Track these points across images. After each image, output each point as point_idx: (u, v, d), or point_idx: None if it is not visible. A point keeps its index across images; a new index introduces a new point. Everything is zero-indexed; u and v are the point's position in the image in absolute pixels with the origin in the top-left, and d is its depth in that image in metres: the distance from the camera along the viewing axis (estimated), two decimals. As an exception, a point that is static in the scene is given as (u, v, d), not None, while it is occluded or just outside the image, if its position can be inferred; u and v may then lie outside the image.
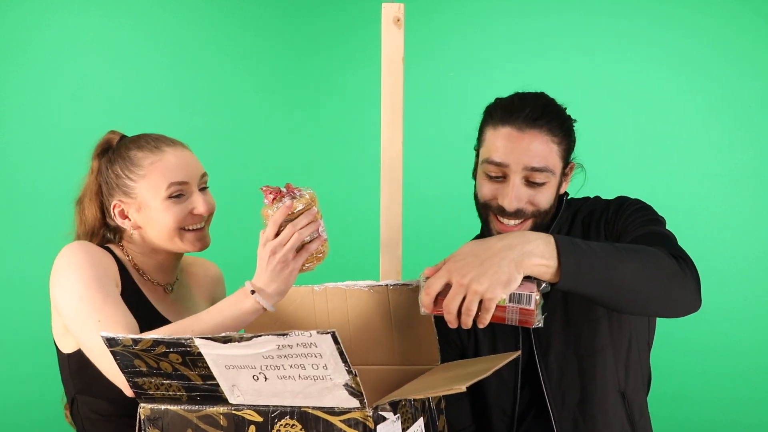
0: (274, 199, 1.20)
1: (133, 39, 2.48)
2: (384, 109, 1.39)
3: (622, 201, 1.45)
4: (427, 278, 1.19)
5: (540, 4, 2.48)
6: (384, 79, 1.38)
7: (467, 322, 1.14)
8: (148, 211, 1.40)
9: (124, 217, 1.43)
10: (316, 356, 0.89)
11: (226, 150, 2.47)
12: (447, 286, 1.15)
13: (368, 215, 1.94)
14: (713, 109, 2.42)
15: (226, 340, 0.92)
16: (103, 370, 1.26)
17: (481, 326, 1.15)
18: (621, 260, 1.17)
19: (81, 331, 1.28)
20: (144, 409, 1.05)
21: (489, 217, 1.41)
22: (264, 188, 1.21)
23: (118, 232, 1.47)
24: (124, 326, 1.25)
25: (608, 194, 1.54)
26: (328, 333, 0.86)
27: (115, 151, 1.45)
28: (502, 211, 1.37)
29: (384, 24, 1.36)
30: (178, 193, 1.39)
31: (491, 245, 1.15)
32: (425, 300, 1.17)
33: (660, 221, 1.38)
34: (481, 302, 1.13)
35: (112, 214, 1.44)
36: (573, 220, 1.47)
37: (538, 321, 1.17)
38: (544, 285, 1.17)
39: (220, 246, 1.55)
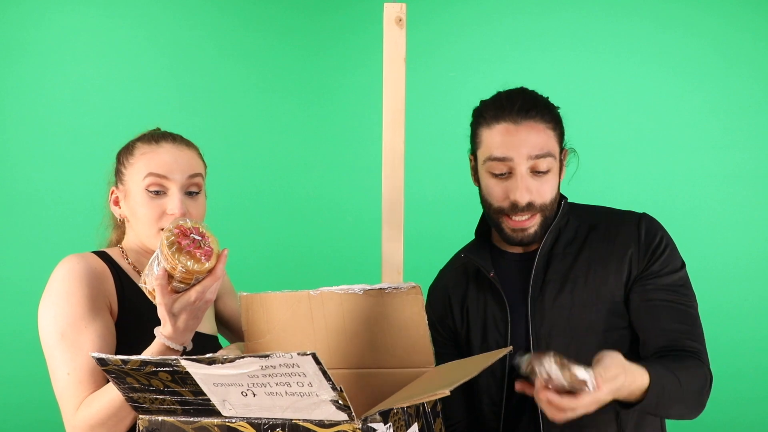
0: (203, 255, 1.18)
1: (133, 39, 2.48)
2: (385, 109, 1.39)
3: (652, 235, 1.43)
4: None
5: (540, 4, 2.48)
6: (386, 79, 1.38)
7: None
8: (130, 201, 1.39)
9: (116, 204, 1.43)
10: (299, 375, 0.89)
11: (227, 150, 2.48)
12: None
13: (369, 215, 1.95)
14: (713, 109, 2.41)
15: (210, 362, 0.93)
16: (62, 411, 1.28)
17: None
18: (676, 394, 1.27)
19: (51, 368, 1.29)
20: (142, 420, 1.06)
21: (501, 219, 1.43)
22: (189, 247, 1.18)
23: (121, 227, 1.48)
24: (90, 375, 1.26)
25: (607, 194, 1.54)
26: (308, 354, 0.86)
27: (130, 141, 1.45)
28: (514, 208, 1.39)
29: (386, 24, 1.36)
30: (156, 188, 1.35)
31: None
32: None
33: (689, 295, 1.44)
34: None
35: (109, 200, 1.44)
36: (579, 224, 1.48)
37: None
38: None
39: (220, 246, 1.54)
